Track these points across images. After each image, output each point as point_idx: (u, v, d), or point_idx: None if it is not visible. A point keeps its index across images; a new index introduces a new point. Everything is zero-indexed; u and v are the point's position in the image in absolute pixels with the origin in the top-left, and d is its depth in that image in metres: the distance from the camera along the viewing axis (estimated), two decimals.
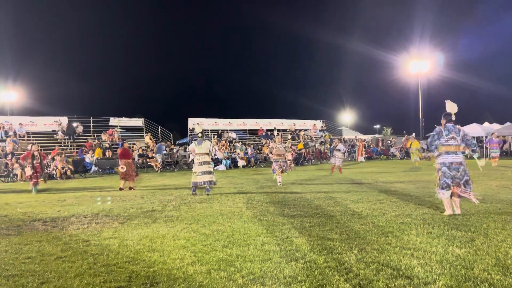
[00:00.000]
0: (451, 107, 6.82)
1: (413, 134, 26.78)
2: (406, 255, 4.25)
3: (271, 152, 12.45)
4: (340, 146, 17.79)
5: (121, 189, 12.10)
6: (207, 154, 10.56)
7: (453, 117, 6.73)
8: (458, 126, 6.71)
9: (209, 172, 10.35)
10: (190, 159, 22.90)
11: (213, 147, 10.90)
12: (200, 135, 10.85)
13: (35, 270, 4.14)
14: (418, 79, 36.72)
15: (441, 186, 6.53)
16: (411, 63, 37.02)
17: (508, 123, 31.96)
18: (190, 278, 3.75)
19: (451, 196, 6.48)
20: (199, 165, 10.37)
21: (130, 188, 12.19)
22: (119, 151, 14.09)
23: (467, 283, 3.38)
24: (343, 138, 31.76)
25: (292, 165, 21.39)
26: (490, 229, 5.30)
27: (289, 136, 33.05)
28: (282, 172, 12.12)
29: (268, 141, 29.89)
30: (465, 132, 6.71)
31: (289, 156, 13.09)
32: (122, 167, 12.21)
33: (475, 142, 6.87)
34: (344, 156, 17.93)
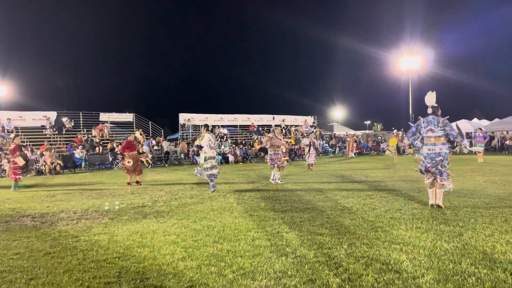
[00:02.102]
0: (428, 99, 6.94)
1: (395, 130, 27.04)
2: (395, 249, 4.29)
3: (267, 142, 11.75)
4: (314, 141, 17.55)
5: (129, 183, 11.93)
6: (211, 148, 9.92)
7: (429, 110, 6.86)
8: (440, 118, 6.75)
9: (212, 167, 9.87)
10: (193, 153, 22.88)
11: (209, 140, 10.03)
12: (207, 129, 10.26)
13: (23, 266, 4.11)
14: (409, 75, 36.93)
15: (420, 170, 6.98)
16: (401, 60, 37.19)
17: (496, 119, 32.37)
18: (180, 273, 3.74)
19: (432, 186, 6.82)
20: (204, 160, 9.89)
21: (137, 183, 12.01)
22: (123, 143, 13.64)
23: (455, 277, 3.43)
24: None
25: (287, 158, 21.40)
26: (478, 224, 5.37)
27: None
28: (281, 168, 11.53)
29: (259, 137, 29.89)
30: (445, 123, 6.69)
31: (283, 148, 12.05)
32: (128, 161, 11.97)
33: (455, 132, 6.71)
34: (316, 152, 17.08)
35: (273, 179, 11.55)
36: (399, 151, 29.09)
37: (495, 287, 3.21)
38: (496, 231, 4.96)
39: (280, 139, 11.80)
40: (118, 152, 21.98)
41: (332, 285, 3.35)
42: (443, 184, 6.65)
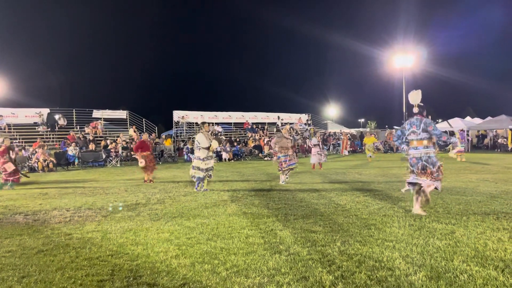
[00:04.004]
0: (412, 98, 6.39)
1: (387, 130, 27.22)
2: (388, 247, 4.31)
3: (275, 145, 10.95)
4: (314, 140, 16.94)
5: (145, 181, 11.87)
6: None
7: (415, 109, 6.30)
8: (423, 118, 6.21)
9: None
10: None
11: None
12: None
13: (15, 264, 4.08)
14: (402, 73, 37.06)
15: (408, 181, 6.33)
16: (395, 58, 37.31)
17: (489, 118, 32.58)
18: (174, 271, 3.74)
19: (417, 193, 6.15)
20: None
21: (150, 181, 11.91)
22: (136, 143, 13.24)
23: (447, 274, 3.45)
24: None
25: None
26: (470, 222, 5.40)
27: (275, 130, 33.16)
28: (291, 169, 10.87)
29: (252, 134, 29.88)
30: (427, 123, 6.11)
31: (291, 150, 11.02)
32: (141, 162, 11.83)
33: (438, 131, 6.07)
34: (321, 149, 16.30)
35: (283, 181, 10.73)
36: (393, 149, 29.27)
37: (487, 284, 3.24)
38: (488, 229, 5.00)
39: (289, 139, 11.06)
40: (112, 150, 21.91)
41: (325, 282, 3.36)
42: (428, 186, 6.00)
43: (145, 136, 13.03)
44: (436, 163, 6.05)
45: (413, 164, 6.23)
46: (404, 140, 6.55)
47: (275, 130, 33.10)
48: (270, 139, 27.70)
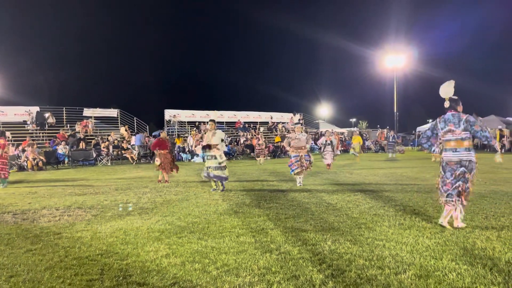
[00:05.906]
0: (443, 91, 5.43)
1: (379, 130, 27.37)
2: (378, 246, 4.34)
3: (289, 144, 10.28)
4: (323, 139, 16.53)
5: (159, 181, 11.48)
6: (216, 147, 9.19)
7: (446, 104, 5.32)
8: (463, 115, 5.13)
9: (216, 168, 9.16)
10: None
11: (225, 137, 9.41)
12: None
13: (3, 263, 4.04)
14: (394, 73, 37.29)
15: (440, 190, 5.34)
16: (386, 58, 37.55)
17: (479, 119, 32.95)
18: (164, 270, 3.72)
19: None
20: (207, 159, 9.38)
21: (166, 181, 11.43)
22: (154, 141, 12.74)
23: (436, 273, 3.48)
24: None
25: (267, 158, 21.29)
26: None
27: (262, 128, 33.19)
28: (304, 170, 10.03)
29: (245, 133, 29.83)
30: (471, 121, 5.03)
31: (305, 150, 10.14)
32: (157, 160, 11.49)
33: (488, 133, 5.01)
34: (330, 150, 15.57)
35: (299, 183, 10.04)
36: (383, 149, 29.44)
37: (475, 283, 3.27)
38: (477, 228, 5.05)
39: (300, 139, 10.15)
40: (103, 148, 21.77)
41: (316, 281, 3.37)
42: (463, 205, 5.13)
43: (163, 134, 12.46)
44: (473, 171, 5.11)
45: (448, 169, 5.16)
46: (434, 143, 5.56)
47: (262, 129, 33.09)
48: (248, 138, 27.79)
